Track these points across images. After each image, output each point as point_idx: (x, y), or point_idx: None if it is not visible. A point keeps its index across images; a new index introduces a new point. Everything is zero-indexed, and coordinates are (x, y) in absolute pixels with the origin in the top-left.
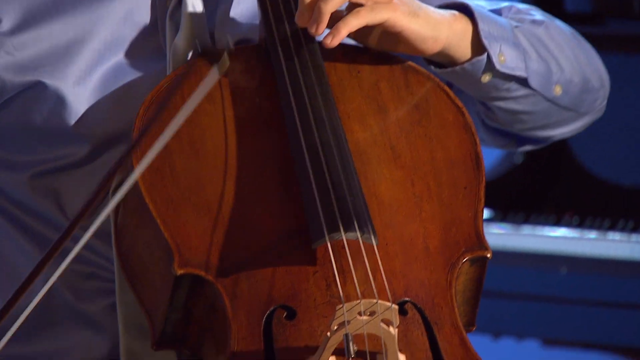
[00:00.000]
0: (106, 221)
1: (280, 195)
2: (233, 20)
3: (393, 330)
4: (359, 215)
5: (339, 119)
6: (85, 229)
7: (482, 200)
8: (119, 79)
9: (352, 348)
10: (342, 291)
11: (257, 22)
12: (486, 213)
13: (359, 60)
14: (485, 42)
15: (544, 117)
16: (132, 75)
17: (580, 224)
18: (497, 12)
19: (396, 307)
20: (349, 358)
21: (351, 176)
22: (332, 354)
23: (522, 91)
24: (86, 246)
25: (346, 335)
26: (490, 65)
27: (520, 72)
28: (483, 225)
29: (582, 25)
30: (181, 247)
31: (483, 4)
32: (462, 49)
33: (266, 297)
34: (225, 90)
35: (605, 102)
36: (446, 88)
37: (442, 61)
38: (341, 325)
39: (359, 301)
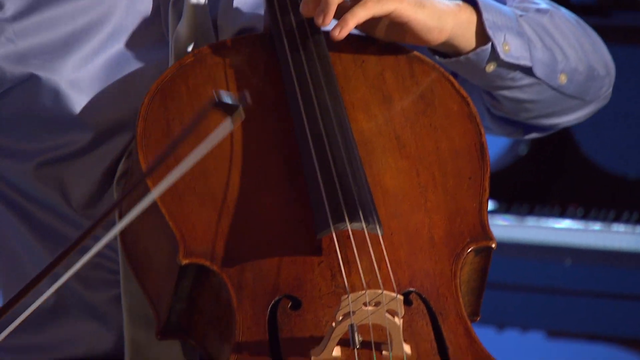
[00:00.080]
0: (111, 211)
1: (286, 185)
2: (236, 9)
3: (398, 321)
4: (364, 205)
5: (344, 109)
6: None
7: (487, 191)
8: (121, 66)
9: (357, 338)
10: (347, 281)
11: (261, 11)
12: (490, 204)
13: (364, 50)
14: (490, 31)
15: (550, 106)
16: (134, 63)
17: (585, 216)
18: (502, 1)
19: (401, 297)
20: (354, 348)
21: (356, 166)
22: (337, 344)
23: (527, 80)
24: (92, 236)
25: (351, 325)
26: (494, 55)
27: (524, 61)
28: (488, 215)
29: (587, 17)
30: (186, 237)
31: None
32: (467, 38)
33: (271, 287)
34: (230, 80)
35: (610, 90)
36: (451, 78)
37: (446, 51)
38: (346, 315)
39: (364, 292)
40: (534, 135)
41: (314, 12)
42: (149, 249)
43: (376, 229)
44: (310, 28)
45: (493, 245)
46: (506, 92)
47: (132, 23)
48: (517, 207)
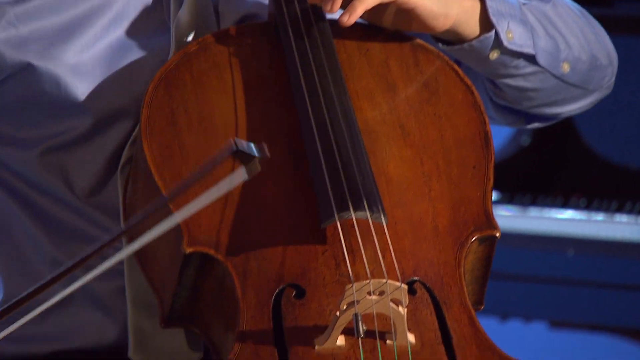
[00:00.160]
0: (115, 197)
1: (290, 174)
2: None
3: (402, 310)
4: (369, 194)
5: (348, 98)
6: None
7: (491, 180)
8: (122, 53)
9: (362, 328)
10: (352, 270)
11: None
12: (493, 195)
13: (368, 38)
14: (493, 19)
15: (552, 95)
16: (136, 49)
17: (588, 206)
18: None
19: (405, 286)
20: (358, 338)
21: (361, 155)
22: (342, 334)
23: (530, 68)
24: (94, 224)
25: (355, 315)
26: (498, 42)
27: (528, 49)
28: (492, 204)
29: (590, 7)
30: (190, 226)
31: None
32: (471, 26)
33: (275, 275)
34: (234, 68)
35: (613, 80)
36: (455, 66)
37: (450, 39)
38: (350, 304)
39: (368, 281)
40: (536, 124)
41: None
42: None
43: (380, 218)
44: (315, 16)
45: (497, 235)
46: (509, 81)
47: (133, 9)
48: (520, 197)
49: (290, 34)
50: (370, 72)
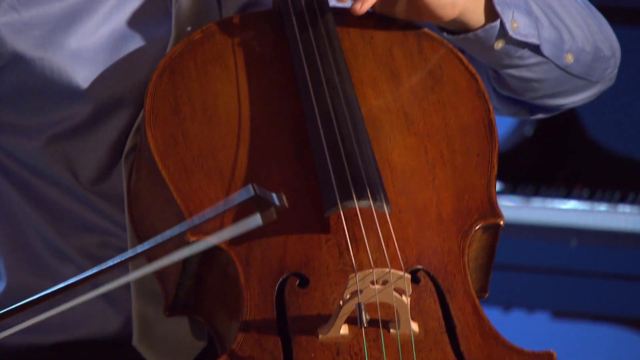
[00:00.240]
0: (119, 185)
1: (293, 163)
2: None
3: (405, 299)
4: (372, 183)
5: (352, 86)
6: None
7: (495, 168)
8: (124, 40)
9: (365, 317)
10: (355, 259)
11: None
12: (496, 186)
13: (372, 26)
14: (498, 8)
15: (556, 85)
16: (137, 36)
17: (591, 197)
18: None
19: (408, 276)
20: (361, 327)
21: (364, 144)
22: (345, 323)
23: (534, 59)
24: (99, 212)
25: (358, 304)
26: (503, 32)
27: (532, 39)
28: (496, 192)
29: None
30: (194, 214)
31: None
32: (477, 15)
33: (279, 264)
34: (238, 57)
35: (616, 71)
36: (460, 54)
37: (456, 28)
38: (354, 294)
39: (371, 270)
40: (539, 115)
41: None
42: (156, 225)
43: (383, 207)
44: (319, 4)
45: (501, 223)
46: (513, 71)
47: None
48: (523, 188)
49: (294, 23)
50: (374, 60)
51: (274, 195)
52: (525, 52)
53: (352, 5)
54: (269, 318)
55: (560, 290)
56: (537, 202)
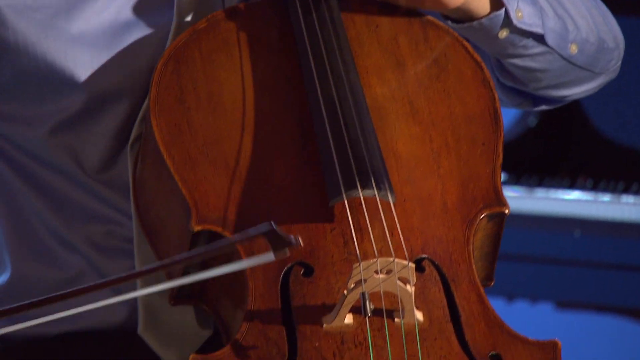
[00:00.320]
0: (124, 173)
1: (298, 152)
2: None
3: (410, 288)
4: (377, 172)
5: (357, 75)
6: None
7: (500, 156)
8: (125, 27)
9: (369, 306)
10: (359, 249)
11: None
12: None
13: (378, 14)
14: None
15: (559, 76)
16: (139, 24)
17: (594, 187)
18: None
19: (413, 265)
20: (365, 316)
21: (369, 132)
22: (349, 312)
23: (539, 49)
24: (104, 202)
25: (363, 294)
26: (507, 21)
27: (537, 29)
28: (501, 181)
29: None
30: (199, 204)
31: None
32: (482, 3)
33: None
34: (243, 45)
35: (619, 63)
36: (465, 42)
37: (460, 16)
38: (358, 283)
39: (375, 260)
40: (543, 107)
41: None
42: (162, 215)
43: (388, 196)
44: None
45: (506, 211)
46: (517, 61)
47: None
48: (527, 178)
49: (299, 11)
50: (379, 48)
51: (289, 236)
52: (530, 42)
53: None
54: (274, 307)
55: (563, 280)
56: (541, 193)
